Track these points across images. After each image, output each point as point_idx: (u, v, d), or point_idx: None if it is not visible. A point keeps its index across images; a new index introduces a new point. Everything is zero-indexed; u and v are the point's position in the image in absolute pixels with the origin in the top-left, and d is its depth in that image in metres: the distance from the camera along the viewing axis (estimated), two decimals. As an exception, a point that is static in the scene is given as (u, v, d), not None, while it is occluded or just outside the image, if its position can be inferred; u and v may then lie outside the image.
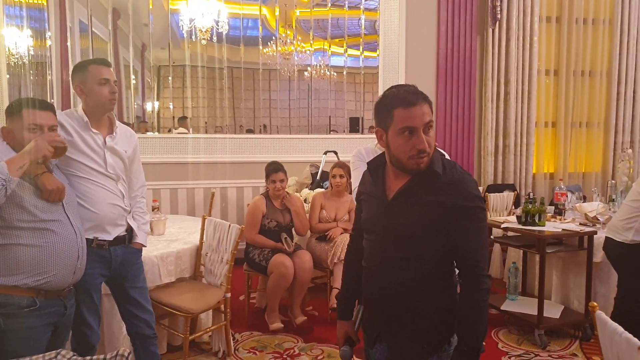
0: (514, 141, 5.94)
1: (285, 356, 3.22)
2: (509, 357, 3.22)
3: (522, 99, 5.94)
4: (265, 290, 3.72)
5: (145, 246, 2.45)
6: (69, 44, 5.25)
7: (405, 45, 5.73)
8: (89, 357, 1.33)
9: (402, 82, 5.54)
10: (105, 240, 2.21)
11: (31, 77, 5.12)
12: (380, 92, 6.08)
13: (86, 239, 2.05)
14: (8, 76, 4.96)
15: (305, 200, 4.35)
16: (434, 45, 5.78)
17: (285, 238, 3.63)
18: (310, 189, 4.76)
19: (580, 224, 3.71)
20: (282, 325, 3.56)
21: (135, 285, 2.37)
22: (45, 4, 5.09)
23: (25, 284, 1.79)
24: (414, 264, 1.49)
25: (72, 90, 5.21)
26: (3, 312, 1.76)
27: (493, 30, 5.78)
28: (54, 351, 1.32)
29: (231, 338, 3.25)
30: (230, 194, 5.50)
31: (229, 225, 3.10)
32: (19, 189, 1.79)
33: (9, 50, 4.95)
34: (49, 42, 5.14)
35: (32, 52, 5.09)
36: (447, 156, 2.15)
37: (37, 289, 1.82)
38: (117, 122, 2.34)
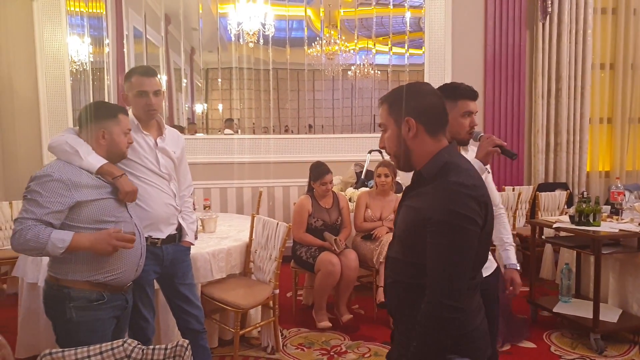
0: (566, 138, 5.76)
1: (332, 353, 3.26)
2: (562, 361, 3.14)
3: (574, 95, 5.74)
4: (312, 287, 3.78)
5: (193, 244, 2.55)
6: (125, 50, 5.49)
7: (452, 42, 5.66)
8: (151, 346, 1.42)
9: (449, 79, 5.56)
10: (158, 239, 2.32)
11: (91, 83, 5.39)
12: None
13: None
14: (71, 82, 5.26)
15: (350, 200, 4.38)
16: (481, 40, 5.68)
17: (335, 239, 3.67)
18: (355, 188, 4.78)
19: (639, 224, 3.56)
20: (330, 325, 3.60)
21: (184, 282, 2.47)
22: (103, 12, 5.36)
23: (97, 280, 1.91)
24: (402, 266, 1.44)
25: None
26: (75, 305, 1.88)
27: (543, 25, 5.62)
28: (121, 339, 1.41)
29: (279, 334, 3.32)
30: (277, 193, 5.60)
31: (277, 224, 3.18)
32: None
33: (71, 58, 5.25)
34: (107, 49, 5.40)
35: (91, 59, 5.37)
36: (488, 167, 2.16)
37: (104, 284, 1.93)
38: (166, 125, 2.44)
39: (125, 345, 1.41)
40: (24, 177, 5.05)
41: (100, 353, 1.38)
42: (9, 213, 4.42)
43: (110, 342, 1.41)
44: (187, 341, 1.43)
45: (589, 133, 5.86)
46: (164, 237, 2.35)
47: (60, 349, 1.36)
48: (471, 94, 2.00)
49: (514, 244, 2.26)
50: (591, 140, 5.91)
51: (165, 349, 1.42)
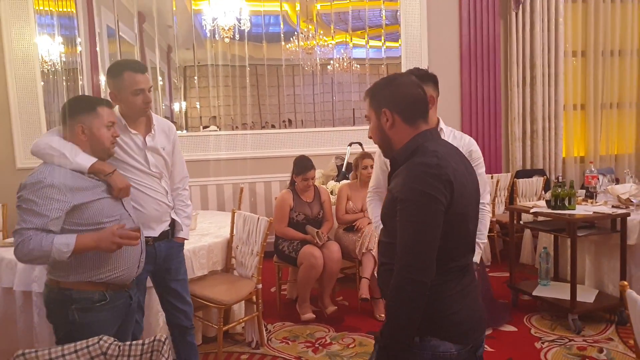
0: (542, 125, 5.85)
1: (317, 345, 3.27)
2: (543, 343, 3.19)
3: (548, 82, 5.83)
4: (296, 281, 3.79)
5: (187, 239, 2.52)
6: (98, 48, 5.40)
7: (428, 34, 5.70)
8: (128, 342, 1.41)
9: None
10: (150, 237, 2.28)
11: (64, 84, 5.29)
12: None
13: None
14: (42, 83, 5.16)
15: (331, 192, 4.39)
16: (456, 32, 5.73)
17: (317, 232, 3.67)
18: (336, 181, 4.79)
19: (613, 206, 3.64)
20: (314, 316, 3.62)
21: (176, 278, 2.45)
22: (74, 10, 5.25)
23: (99, 279, 1.87)
24: (386, 247, 1.48)
25: (102, 94, 5.37)
26: (77, 307, 1.84)
27: (517, 14, 5.69)
28: (97, 337, 1.40)
29: (264, 328, 3.32)
30: (258, 189, 5.58)
31: (258, 218, 3.17)
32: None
33: (42, 58, 5.14)
34: (79, 48, 5.30)
35: (63, 59, 5.26)
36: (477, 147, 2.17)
37: (107, 284, 1.90)
38: (155, 118, 2.34)
39: (101, 342, 1.40)
40: (-2, 181, 4.97)
41: (76, 351, 1.37)
42: (-18, 218, 4.32)
43: (85, 340, 1.39)
44: (164, 335, 1.42)
45: (564, 119, 5.96)
46: (157, 235, 2.33)
47: (34, 349, 1.34)
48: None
49: (480, 241, 2.16)
50: (566, 126, 6.02)
51: (143, 344, 1.41)
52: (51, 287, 1.89)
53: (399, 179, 1.40)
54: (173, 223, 2.42)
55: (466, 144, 2.15)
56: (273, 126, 6.13)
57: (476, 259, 2.15)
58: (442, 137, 2.10)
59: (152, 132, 2.31)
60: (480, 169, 2.13)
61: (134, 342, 1.40)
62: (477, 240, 2.09)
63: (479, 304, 1.50)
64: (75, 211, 1.81)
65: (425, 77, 2.10)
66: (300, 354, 3.16)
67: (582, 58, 6.08)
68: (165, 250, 2.37)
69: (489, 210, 2.19)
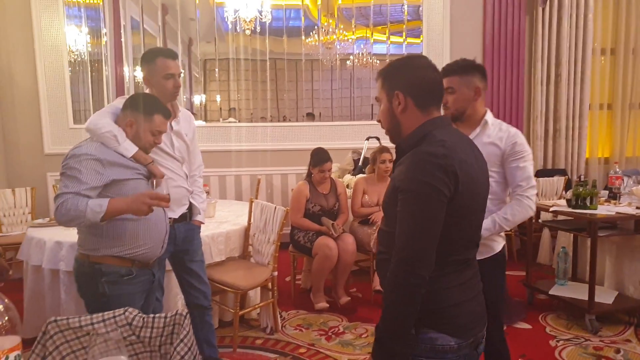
0: (565, 125, 5.75)
1: (330, 334, 3.31)
2: (558, 341, 3.17)
3: (574, 81, 5.72)
4: (310, 271, 3.83)
5: (204, 223, 2.62)
6: (122, 40, 5.50)
7: (450, 29, 5.66)
8: (152, 315, 1.46)
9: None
10: (170, 218, 2.37)
11: (90, 74, 5.41)
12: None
13: None
14: (70, 72, 5.28)
15: (347, 186, 4.42)
16: (479, 27, 5.67)
17: (333, 224, 3.71)
18: (352, 175, 4.81)
19: (637, 207, 3.57)
20: (327, 305, 3.65)
21: (194, 259, 2.54)
22: (100, 2, 5.36)
23: (125, 255, 1.98)
24: (386, 237, 1.43)
25: (126, 85, 5.48)
26: (107, 280, 1.96)
27: (543, 9, 5.60)
28: (123, 308, 1.45)
29: (278, 315, 3.38)
30: (275, 181, 5.63)
31: (275, 208, 3.22)
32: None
33: (69, 48, 5.26)
34: (104, 39, 5.41)
35: (89, 49, 5.38)
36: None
37: (132, 260, 2.01)
38: (180, 107, 2.50)
39: (127, 313, 1.45)
40: (26, 165, 5.14)
41: (103, 321, 1.42)
42: (12, 200, 4.48)
43: (112, 311, 1.44)
44: (186, 310, 1.47)
45: (589, 119, 5.84)
46: (177, 216, 2.42)
47: (65, 317, 1.40)
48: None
49: (500, 222, 2.05)
50: (591, 126, 5.90)
51: (165, 317, 1.45)
52: (81, 261, 2.00)
53: (403, 167, 1.33)
54: (191, 207, 2.52)
55: (511, 136, 2.05)
56: (291, 121, 6.17)
57: (484, 233, 1.96)
58: (487, 130, 2.09)
59: (177, 117, 2.43)
60: (523, 162, 2.04)
61: (157, 315, 1.45)
62: (497, 219, 2.03)
63: (480, 299, 1.45)
64: (112, 186, 1.93)
65: (473, 68, 2.06)
66: (314, 341, 3.20)
67: (611, 56, 5.93)
68: (184, 232, 2.48)
69: (527, 203, 2.04)
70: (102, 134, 1.98)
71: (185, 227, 2.49)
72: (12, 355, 0.99)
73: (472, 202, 1.35)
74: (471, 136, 2.10)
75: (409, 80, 1.40)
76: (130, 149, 2.01)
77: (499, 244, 2.13)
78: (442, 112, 2.13)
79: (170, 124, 2.37)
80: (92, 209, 1.83)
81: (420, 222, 1.27)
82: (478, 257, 2.03)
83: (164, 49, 2.38)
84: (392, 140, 1.48)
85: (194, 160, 2.61)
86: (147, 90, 2.38)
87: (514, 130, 2.09)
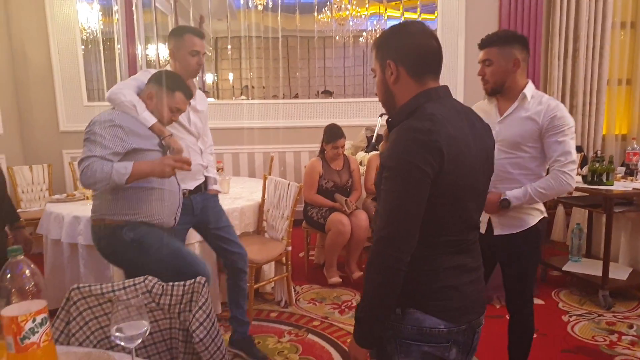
0: (582, 100, 5.64)
1: (343, 307, 3.35)
2: (570, 316, 3.18)
3: (592, 56, 5.58)
4: (324, 247, 3.86)
5: (220, 192, 2.70)
6: (135, 18, 5.49)
7: (465, 4, 5.55)
8: (171, 283, 1.49)
9: (462, 44, 5.48)
10: (186, 190, 2.44)
11: (102, 52, 5.42)
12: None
13: None
14: (83, 49, 5.29)
15: (360, 163, 4.42)
16: (496, 1, 5.55)
17: (346, 200, 3.73)
18: (365, 152, 4.81)
19: (655, 184, 3.53)
20: (340, 280, 3.70)
21: (219, 226, 2.61)
22: (111, -21, 5.34)
23: (139, 221, 2.06)
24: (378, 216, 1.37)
25: (138, 63, 5.49)
26: (128, 228, 2.04)
27: (561, -17, 5.46)
28: (142, 277, 1.49)
29: (292, 289, 3.42)
30: (288, 158, 5.65)
31: (289, 183, 3.24)
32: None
33: (82, 25, 5.27)
34: (116, 17, 5.40)
35: (101, 27, 5.38)
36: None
37: (149, 225, 2.10)
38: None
39: (147, 281, 1.48)
40: (42, 143, 5.20)
41: (124, 288, 1.46)
42: (30, 177, 4.56)
43: (132, 279, 1.48)
44: (204, 278, 1.50)
45: (607, 95, 5.71)
46: (192, 188, 2.49)
47: (88, 284, 1.44)
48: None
49: (532, 193, 2.00)
50: (608, 102, 5.77)
51: (184, 285, 1.49)
52: (98, 226, 2.07)
53: (388, 144, 1.26)
54: (205, 178, 2.58)
55: (550, 110, 1.97)
56: (302, 98, 6.15)
57: (514, 200, 2.01)
58: (525, 104, 2.02)
59: (195, 95, 2.46)
60: (562, 136, 1.96)
61: (176, 283, 1.48)
62: (530, 190, 1.99)
63: (479, 285, 1.37)
64: (132, 154, 1.99)
65: (513, 39, 2.00)
66: (327, 314, 3.25)
67: (632, 30, 5.77)
68: (201, 202, 2.53)
69: (564, 179, 1.98)
70: (121, 102, 2.04)
71: (202, 197, 2.54)
72: (38, 318, 1.02)
73: (464, 181, 1.25)
74: (509, 110, 2.06)
75: (401, 48, 1.30)
76: (149, 119, 2.07)
77: (534, 218, 2.08)
78: (483, 86, 2.06)
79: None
80: (117, 171, 1.90)
81: (400, 201, 1.20)
82: (513, 231, 2.04)
83: (194, 27, 2.44)
84: (388, 113, 1.40)
85: (206, 139, 2.66)
86: (169, 65, 2.43)
87: (554, 103, 2.01)
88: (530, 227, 2.07)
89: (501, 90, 2.05)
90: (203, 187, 2.57)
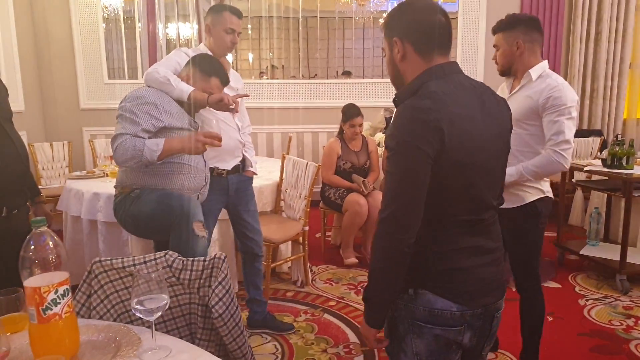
0: (603, 84, 5.54)
1: (359, 288, 3.38)
2: (587, 300, 3.18)
3: (615, 39, 5.47)
4: (340, 227, 3.89)
5: (256, 174, 2.73)
6: (155, -4, 5.49)
7: (488, -16, 5.45)
8: (191, 258, 1.52)
9: (483, 26, 5.39)
10: (224, 170, 2.47)
11: (123, 30, 5.45)
12: (460, 38, 5.83)
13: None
14: (104, 27, 5.32)
15: (378, 144, 4.40)
16: (518, -18, 5.44)
17: (363, 181, 3.73)
18: (384, 133, 4.79)
19: (674, 168, 3.48)
20: (357, 261, 3.73)
21: (247, 209, 2.65)
22: (132, -43, 5.33)
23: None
24: None
25: (158, 43, 5.50)
26: (148, 191, 2.09)
27: (585, -37, 5.33)
28: (163, 252, 1.52)
29: (309, 269, 3.46)
30: (306, 139, 5.66)
31: (307, 163, 3.25)
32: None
33: (103, 4, 5.28)
34: (137, -4, 5.41)
35: (123, 6, 5.39)
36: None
37: None
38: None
39: (167, 256, 1.52)
40: (63, 119, 5.28)
41: (145, 262, 1.49)
42: (50, 153, 4.64)
43: (153, 254, 1.52)
44: (224, 254, 1.53)
45: (629, 79, 5.62)
46: (230, 168, 2.50)
47: (109, 258, 1.48)
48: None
49: (524, 171, 2.06)
50: (630, 86, 5.67)
51: (204, 260, 1.52)
52: (120, 196, 2.12)
53: (391, 124, 1.27)
54: (244, 159, 2.59)
55: (550, 89, 2.02)
56: (322, 78, 6.12)
57: (511, 171, 2.05)
58: (530, 84, 2.07)
59: (229, 71, 2.48)
60: (558, 116, 2.00)
61: (196, 258, 1.51)
62: (521, 168, 2.05)
63: (496, 269, 1.33)
64: (163, 131, 2.03)
65: (516, 22, 2.10)
66: (343, 294, 3.28)
67: (656, 13, 5.65)
68: (237, 184, 2.55)
69: (555, 158, 2.02)
70: (155, 78, 2.09)
71: (238, 178, 2.56)
72: (61, 289, 1.04)
73: (471, 159, 1.22)
74: (515, 89, 2.15)
75: (406, 25, 1.29)
76: (186, 89, 2.10)
77: (531, 195, 2.13)
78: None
79: None
80: (149, 148, 1.95)
81: (400, 182, 1.19)
82: (506, 206, 2.03)
83: (232, 6, 2.46)
84: (397, 90, 1.38)
85: (244, 119, 2.67)
86: (204, 41, 2.47)
87: (555, 83, 2.04)
88: (527, 203, 2.12)
89: (509, 72, 2.17)
90: (240, 168, 2.57)
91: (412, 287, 1.27)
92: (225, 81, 2.23)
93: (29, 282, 1.02)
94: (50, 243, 1.07)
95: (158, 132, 2.02)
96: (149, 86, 2.12)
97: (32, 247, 1.04)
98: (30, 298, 1.02)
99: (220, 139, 2.03)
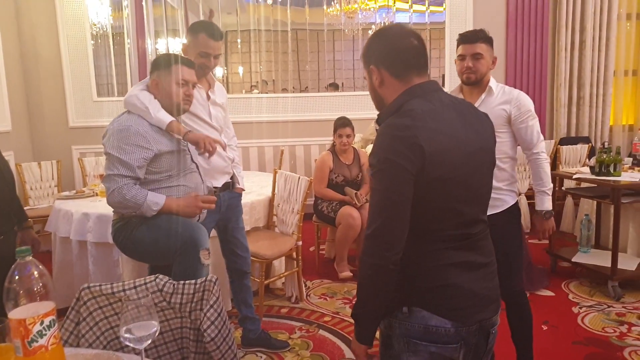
0: (589, 92, 5.64)
1: (354, 302, 3.35)
2: (580, 308, 3.18)
3: (599, 47, 5.59)
4: (334, 241, 3.88)
5: (244, 190, 2.70)
6: (144, 12, 5.49)
7: (473, -4, 5.52)
8: (182, 282, 1.51)
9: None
10: (216, 187, 2.44)
11: (112, 46, 5.44)
12: (448, 48, 5.91)
13: None
14: (92, 45, 5.31)
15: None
16: (503, -7, 5.53)
17: (356, 193, 3.74)
18: (375, 145, 4.81)
19: (662, 174, 3.52)
20: (351, 274, 3.72)
21: (237, 226, 2.63)
22: (121, -26, 5.34)
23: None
24: None
25: (148, 58, 5.51)
26: (139, 218, 2.02)
27: (567, -26, 5.43)
28: (153, 275, 1.51)
29: (303, 284, 3.45)
30: (298, 152, 5.66)
31: (299, 178, 3.25)
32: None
33: (91, 21, 5.28)
34: (126, 12, 5.42)
35: (111, 22, 5.39)
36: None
37: None
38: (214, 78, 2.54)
39: (158, 280, 1.50)
40: (52, 138, 5.24)
41: (135, 287, 1.48)
42: (38, 173, 4.60)
43: (143, 278, 1.50)
44: (215, 276, 1.52)
45: (613, 86, 5.72)
46: (220, 185, 2.48)
47: (98, 284, 1.46)
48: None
49: (544, 189, 2.30)
50: (615, 93, 5.78)
51: (195, 284, 1.50)
52: (119, 223, 2.06)
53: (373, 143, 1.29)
54: (233, 176, 2.58)
55: (514, 99, 2.22)
56: (312, 91, 6.15)
57: (546, 205, 2.31)
58: (492, 95, 2.22)
59: (213, 88, 2.47)
60: (529, 121, 2.23)
61: (187, 282, 1.50)
62: (539, 188, 2.26)
63: (489, 284, 1.34)
64: (155, 158, 1.98)
65: (491, 39, 2.23)
66: (338, 309, 3.26)
67: (637, 21, 5.76)
68: (228, 200, 2.54)
69: (543, 157, 2.28)
70: (134, 104, 2.02)
71: (229, 195, 2.54)
72: (47, 320, 1.02)
73: (453, 174, 1.23)
74: (478, 101, 2.24)
75: (381, 52, 1.33)
76: (164, 118, 2.02)
77: (511, 198, 2.27)
78: (463, 78, 2.24)
79: (207, 94, 2.41)
80: (148, 206, 1.93)
81: (383, 199, 1.21)
82: (494, 211, 2.13)
83: (211, 27, 2.33)
84: None
85: (229, 132, 2.65)
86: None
87: (516, 92, 2.26)
88: (510, 206, 2.25)
89: (481, 83, 2.26)
90: (231, 185, 2.56)
91: (406, 305, 1.27)
92: (189, 64, 2.10)
93: (14, 314, 1.00)
94: (36, 273, 1.05)
95: (153, 160, 1.97)
96: (129, 111, 2.05)
97: (17, 277, 1.03)
98: (15, 330, 1.00)
99: (215, 202, 2.07)
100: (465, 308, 1.27)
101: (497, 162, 2.15)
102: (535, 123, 2.24)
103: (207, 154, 2.09)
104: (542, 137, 2.28)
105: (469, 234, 1.30)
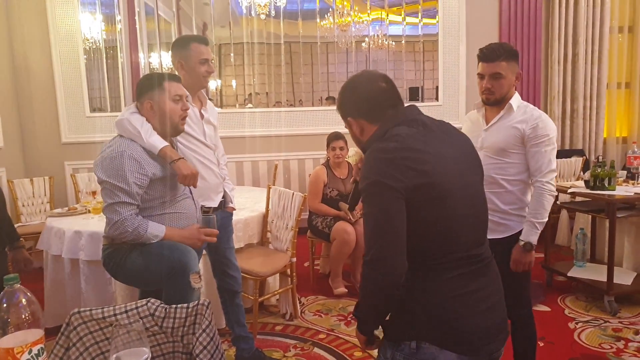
0: (582, 105, 5.67)
1: (349, 318, 3.33)
2: (577, 323, 3.17)
3: (592, 60, 5.62)
4: (329, 256, 3.85)
5: (235, 209, 2.68)
6: (137, 27, 5.50)
7: (466, 9, 5.57)
8: (174, 305, 1.48)
9: (463, 48, 5.50)
10: (210, 207, 2.42)
11: (105, 61, 5.43)
12: (441, 61, 5.92)
13: None
14: (85, 59, 5.30)
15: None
16: (496, 7, 5.58)
17: (349, 207, 3.71)
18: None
19: (656, 188, 3.53)
20: (346, 290, 3.69)
21: (228, 246, 2.60)
22: (114, -12, 5.35)
23: None
24: None
25: (141, 72, 5.49)
26: (134, 245, 1.98)
27: (559, -13, 5.48)
28: (145, 300, 1.48)
29: (297, 301, 3.41)
30: (292, 166, 5.64)
31: (293, 194, 3.23)
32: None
33: (84, 36, 5.27)
34: (119, 26, 5.42)
35: (104, 37, 5.39)
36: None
37: None
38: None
39: (149, 304, 1.48)
40: (44, 154, 5.21)
41: (126, 311, 1.45)
42: (30, 190, 4.56)
43: (134, 302, 1.48)
44: (207, 300, 1.49)
45: (606, 98, 5.75)
46: (216, 205, 2.46)
47: (88, 308, 1.43)
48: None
49: (535, 220, 2.09)
50: (608, 105, 5.81)
51: (187, 307, 1.48)
52: (110, 248, 2.01)
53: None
54: (225, 195, 2.56)
55: (534, 119, 2.07)
56: (306, 104, 6.15)
57: (531, 238, 2.08)
58: (511, 113, 2.10)
59: (206, 106, 2.45)
60: (543, 147, 2.07)
61: (179, 305, 1.47)
62: (531, 219, 2.07)
63: (496, 312, 1.32)
64: (149, 185, 1.95)
65: (515, 54, 2.12)
66: (333, 326, 3.23)
67: (629, 34, 5.81)
68: (220, 220, 2.47)
69: (547, 189, 2.07)
70: (126, 128, 1.97)
71: (222, 214, 2.51)
72: (35, 349, 1.01)
73: (443, 193, 1.22)
74: (495, 119, 2.15)
75: (354, 103, 1.38)
76: (156, 144, 1.97)
77: (518, 224, 2.14)
78: (482, 97, 2.15)
79: (200, 112, 2.40)
80: (148, 238, 1.92)
81: (377, 221, 1.20)
82: (497, 236, 2.08)
83: (197, 36, 2.39)
84: None
85: (219, 150, 2.63)
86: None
87: (537, 113, 2.11)
88: (516, 233, 2.13)
89: (501, 102, 2.13)
90: (222, 204, 2.54)
91: (414, 339, 1.25)
92: (176, 79, 2.07)
93: (2, 343, 0.99)
94: (24, 300, 1.04)
95: (150, 184, 1.95)
96: (120, 135, 2.00)
97: (5, 305, 1.02)
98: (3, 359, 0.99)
99: (216, 235, 2.08)
100: (475, 341, 1.25)
101: (504, 183, 2.12)
102: (550, 151, 2.08)
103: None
104: (554, 167, 2.10)
105: (473, 255, 1.29)
